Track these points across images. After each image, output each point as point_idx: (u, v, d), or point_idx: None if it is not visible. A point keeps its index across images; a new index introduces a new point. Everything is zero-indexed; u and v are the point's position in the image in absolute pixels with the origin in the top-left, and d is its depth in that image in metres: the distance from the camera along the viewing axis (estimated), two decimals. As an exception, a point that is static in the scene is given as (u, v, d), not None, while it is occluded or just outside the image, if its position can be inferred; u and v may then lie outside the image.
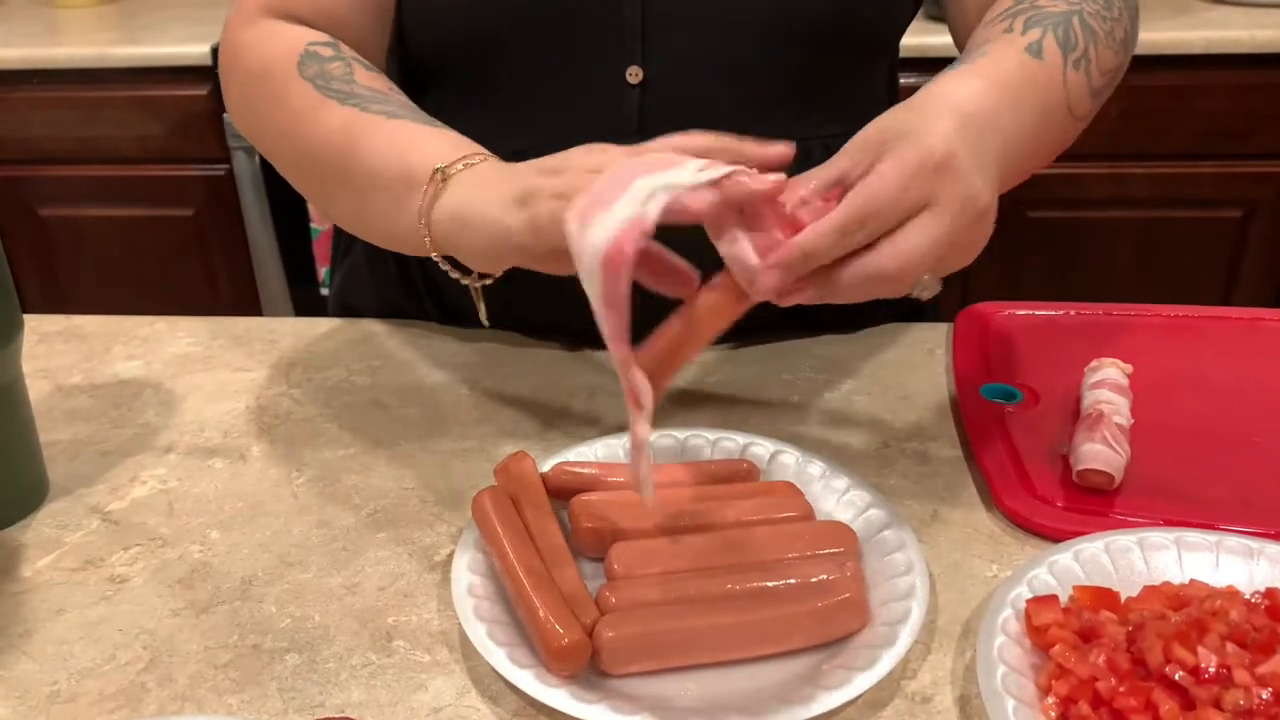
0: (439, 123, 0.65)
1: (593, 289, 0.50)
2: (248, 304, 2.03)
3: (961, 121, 0.53)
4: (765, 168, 0.52)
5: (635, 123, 0.74)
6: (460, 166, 0.59)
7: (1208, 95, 1.77)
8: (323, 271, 2.00)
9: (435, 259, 0.61)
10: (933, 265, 0.52)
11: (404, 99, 0.68)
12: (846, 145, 0.54)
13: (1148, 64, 1.60)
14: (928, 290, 0.54)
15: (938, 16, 1.78)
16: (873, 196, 0.50)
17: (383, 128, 0.63)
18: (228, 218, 1.97)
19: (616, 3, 0.72)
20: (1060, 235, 1.90)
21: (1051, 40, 0.63)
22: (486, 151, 0.61)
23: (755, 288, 0.53)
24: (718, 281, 0.55)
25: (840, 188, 0.53)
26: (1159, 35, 1.70)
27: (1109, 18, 0.67)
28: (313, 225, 1.97)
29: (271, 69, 0.70)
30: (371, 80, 0.68)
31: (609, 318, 0.50)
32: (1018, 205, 1.86)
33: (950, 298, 0.98)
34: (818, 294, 0.53)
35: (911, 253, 0.51)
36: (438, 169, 0.59)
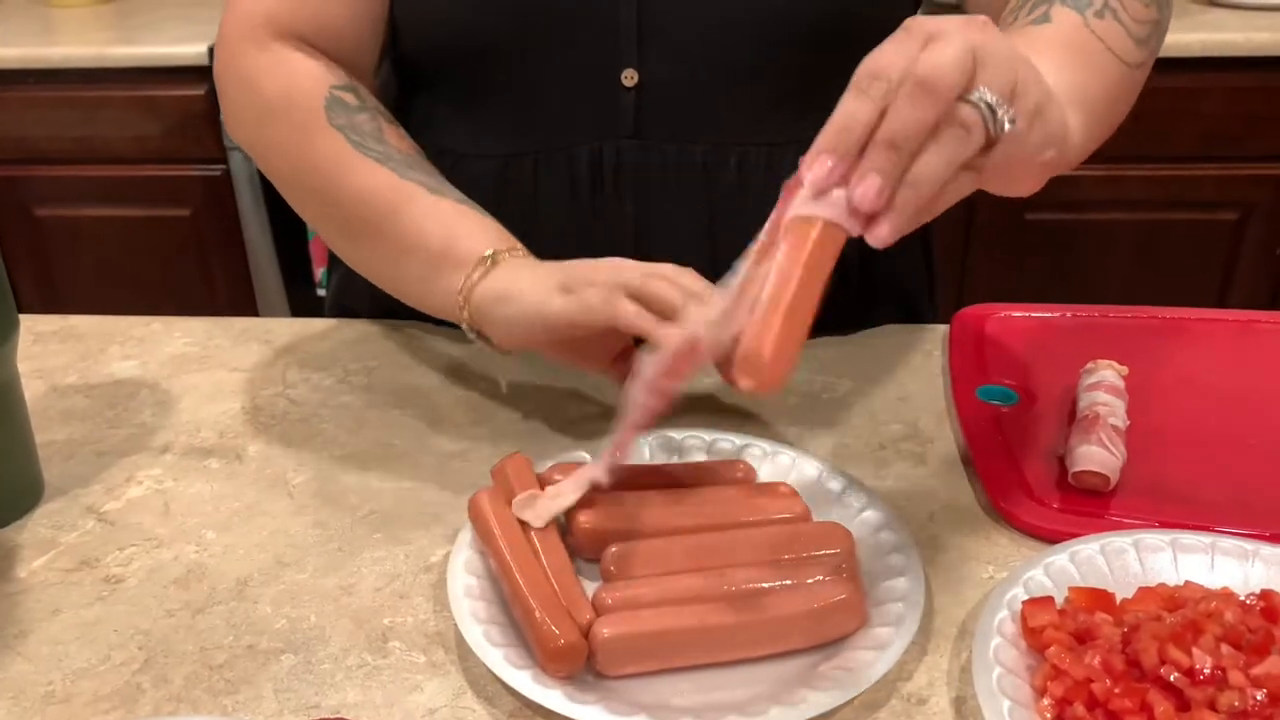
0: (475, 204, 0.69)
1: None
2: (244, 304, 2.03)
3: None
4: None
5: (631, 126, 0.74)
6: (507, 256, 0.65)
7: (1205, 98, 1.78)
8: (319, 272, 2.00)
9: (464, 329, 0.67)
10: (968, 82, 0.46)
11: (429, 165, 0.73)
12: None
13: (1144, 66, 1.61)
14: (1006, 119, 0.47)
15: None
16: (874, 60, 0.47)
17: (426, 202, 0.68)
18: (224, 218, 1.97)
19: (612, 6, 0.72)
20: (1058, 237, 1.90)
21: (1060, 7, 0.63)
22: (524, 248, 0.67)
23: (817, 182, 0.47)
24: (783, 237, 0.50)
25: None
26: (1156, 38, 1.70)
27: None
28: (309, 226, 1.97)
29: (294, 108, 0.72)
30: (399, 141, 0.72)
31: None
32: (1014, 207, 1.86)
33: (948, 301, 0.99)
34: (890, 186, 0.47)
35: (940, 59, 0.46)
36: (487, 256, 0.65)
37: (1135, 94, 0.68)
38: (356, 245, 0.73)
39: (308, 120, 0.71)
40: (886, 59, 0.47)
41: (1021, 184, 0.53)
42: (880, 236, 0.47)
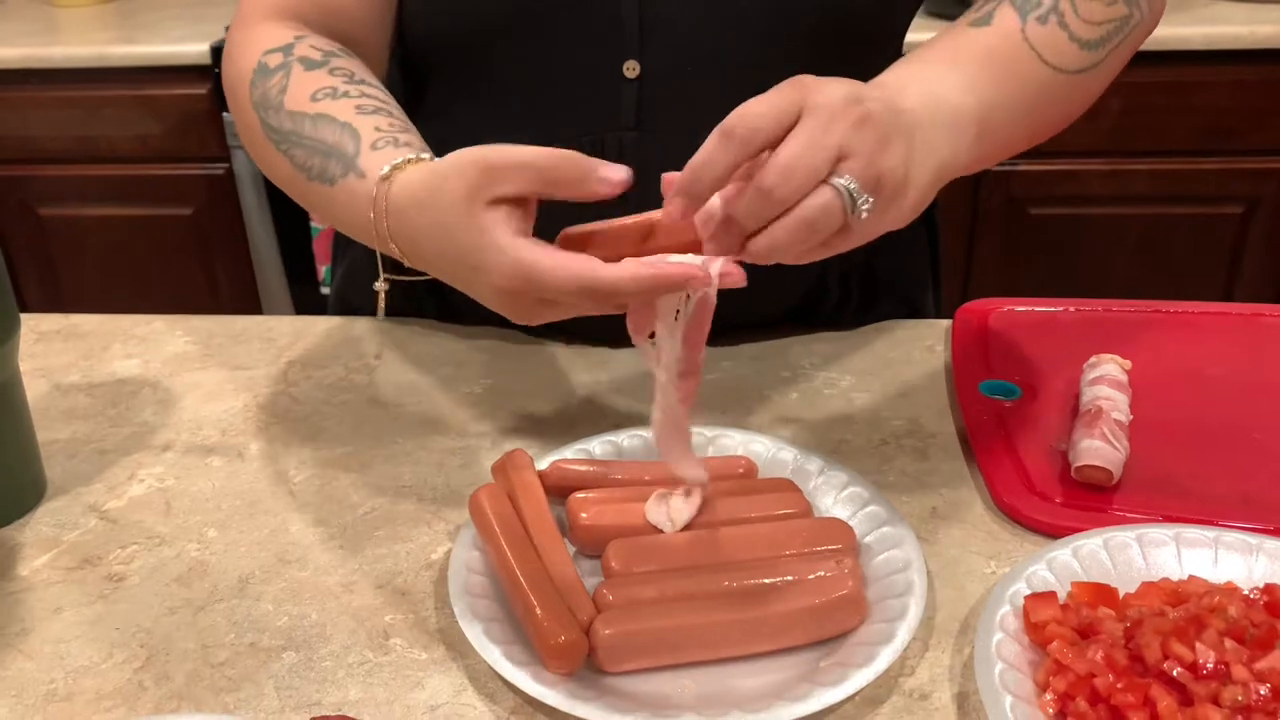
0: (339, 155, 0.62)
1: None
2: (248, 303, 2.03)
3: (889, 104, 0.53)
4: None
5: (633, 118, 0.74)
6: (396, 250, 0.59)
7: (1208, 91, 1.77)
8: (323, 270, 2.00)
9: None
10: (829, 171, 0.50)
11: (317, 113, 0.65)
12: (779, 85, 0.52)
13: (1147, 60, 1.60)
14: (863, 208, 0.51)
15: (940, 13, 1.79)
16: (794, 153, 0.49)
17: (311, 193, 0.64)
18: (228, 217, 1.97)
19: None
20: (1061, 232, 1.90)
21: (1007, 8, 0.63)
22: (393, 209, 0.58)
23: (668, 216, 0.51)
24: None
25: None
26: (1158, 32, 1.68)
27: None
28: (313, 224, 1.97)
29: (237, 89, 0.70)
30: (297, 96, 0.66)
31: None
32: (1018, 202, 1.86)
33: (952, 296, 0.98)
34: (730, 241, 0.51)
35: (791, 159, 0.49)
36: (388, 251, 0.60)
37: (1084, 98, 0.66)
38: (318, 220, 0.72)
39: (243, 102, 0.69)
40: (757, 119, 0.49)
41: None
42: (732, 281, 0.51)
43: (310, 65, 0.68)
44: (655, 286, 0.50)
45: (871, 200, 0.51)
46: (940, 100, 0.57)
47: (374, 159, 0.60)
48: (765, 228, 0.50)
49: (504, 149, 0.53)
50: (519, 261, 0.52)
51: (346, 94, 0.65)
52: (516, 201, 0.53)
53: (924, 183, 0.54)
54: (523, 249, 0.52)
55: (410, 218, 0.56)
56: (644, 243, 0.54)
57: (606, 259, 0.51)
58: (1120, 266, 1.91)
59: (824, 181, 0.49)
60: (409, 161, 0.58)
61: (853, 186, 0.50)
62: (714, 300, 0.53)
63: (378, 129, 0.62)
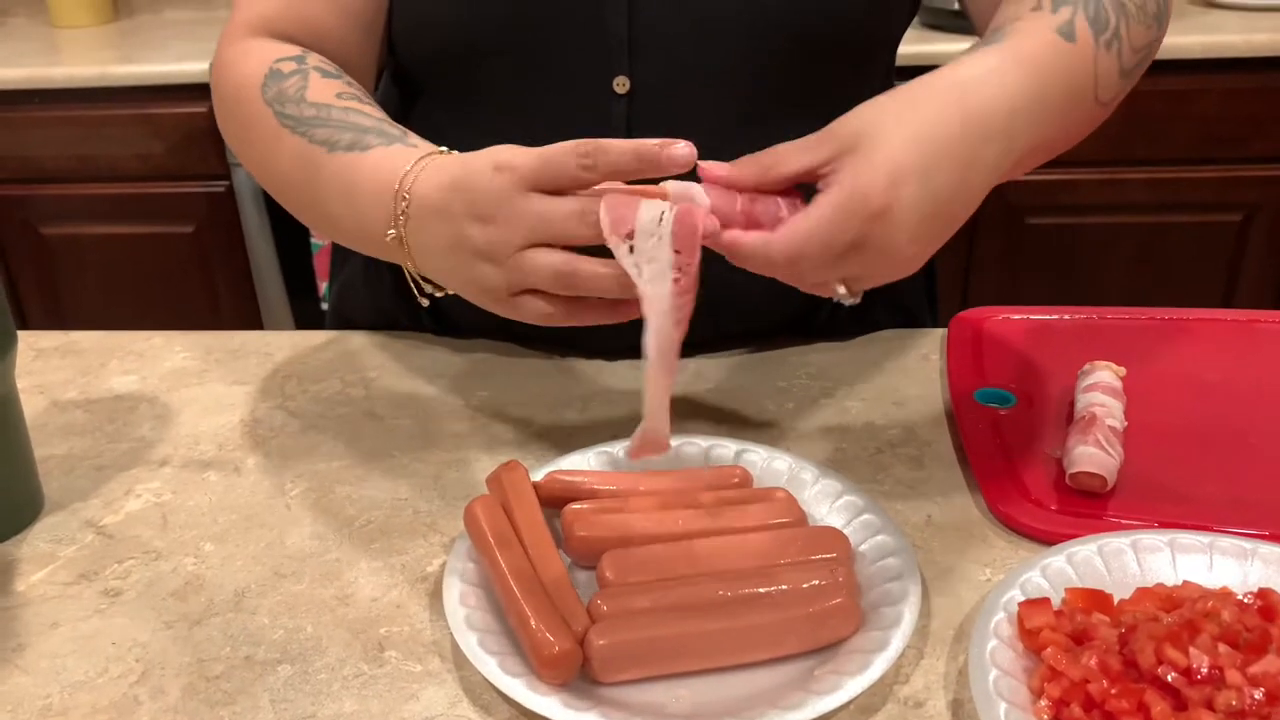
0: (379, 132, 0.65)
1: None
2: (249, 320, 2.03)
3: (934, 134, 0.54)
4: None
5: (623, 133, 0.74)
6: (403, 219, 0.61)
7: (1204, 100, 1.78)
8: (323, 286, 2.01)
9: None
10: (834, 283, 0.56)
11: (346, 106, 0.67)
12: (823, 133, 0.55)
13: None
14: (848, 299, 0.57)
15: (935, 25, 1.80)
16: (803, 244, 0.53)
17: (326, 170, 0.65)
18: (228, 234, 1.98)
19: (603, 14, 0.72)
20: (1059, 241, 1.90)
21: (1083, 20, 0.61)
22: (414, 194, 0.60)
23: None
24: None
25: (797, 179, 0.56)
26: (1154, 40, 1.70)
27: None
28: (313, 240, 1.98)
29: (241, 93, 0.71)
30: (321, 93, 0.68)
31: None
32: (1016, 211, 1.86)
33: (947, 303, 0.98)
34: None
35: (810, 280, 0.56)
36: (389, 235, 0.61)
37: (1084, 135, 0.66)
38: (311, 222, 0.72)
39: (250, 103, 0.70)
40: (814, 249, 0.53)
41: None
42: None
43: (326, 74, 0.70)
44: (633, 152, 0.53)
45: (856, 296, 0.57)
46: (989, 124, 0.56)
47: (426, 144, 0.63)
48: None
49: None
50: (499, 155, 0.55)
51: (370, 104, 0.68)
52: None
53: (938, 237, 0.56)
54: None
55: (451, 169, 0.59)
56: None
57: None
58: (1118, 275, 1.91)
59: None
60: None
61: (842, 292, 0.56)
62: (703, 211, 0.54)
63: (416, 136, 0.65)
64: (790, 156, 0.55)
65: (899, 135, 0.53)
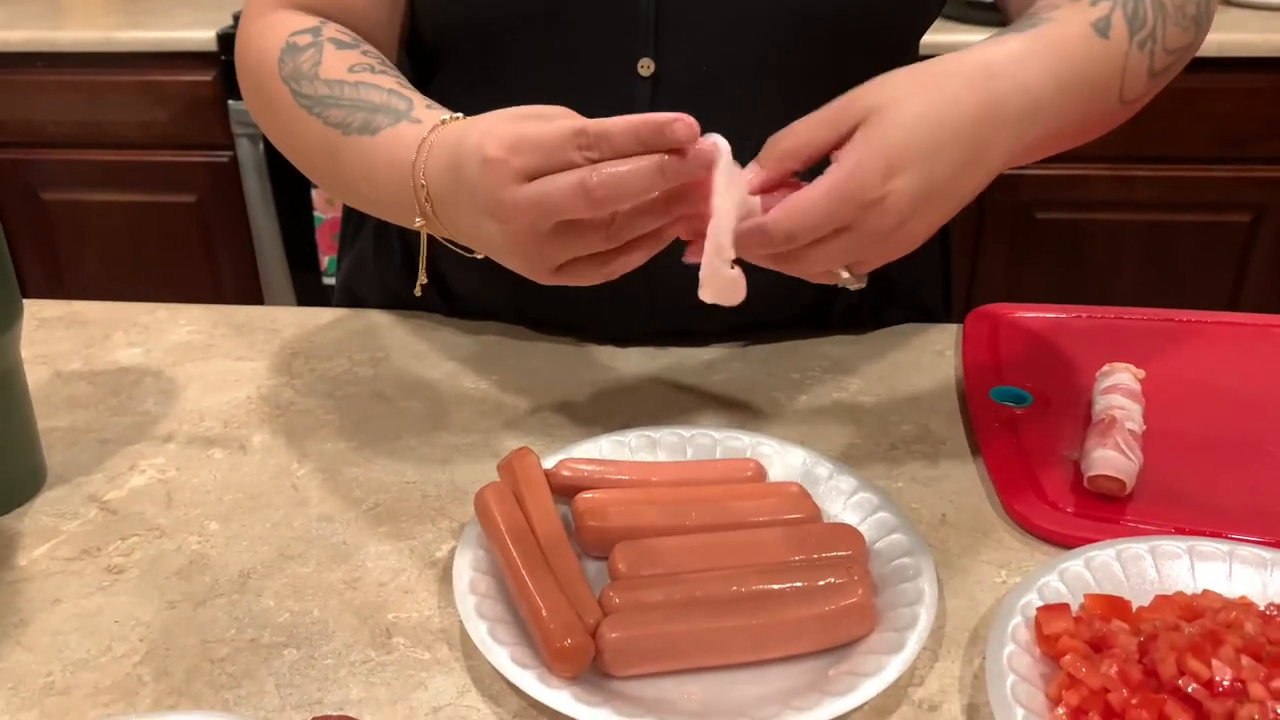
0: (387, 110, 0.63)
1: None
2: (250, 291, 2.02)
3: (948, 116, 0.53)
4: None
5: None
6: (428, 206, 0.59)
7: (1218, 98, 1.76)
8: (325, 260, 1.99)
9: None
10: (836, 268, 0.56)
11: (358, 80, 0.66)
12: (842, 103, 0.55)
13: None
14: (852, 284, 0.57)
15: (957, 16, 1.78)
16: (795, 224, 0.52)
17: (345, 155, 0.65)
18: (231, 204, 1.96)
19: None
20: (1067, 237, 1.89)
21: (1120, 17, 0.61)
22: (427, 177, 0.59)
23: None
24: None
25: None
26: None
27: None
28: (316, 213, 1.96)
29: (262, 70, 0.71)
30: (334, 67, 0.67)
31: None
32: (1026, 206, 1.85)
33: (958, 299, 0.98)
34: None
35: (811, 264, 0.55)
36: (418, 223, 0.60)
37: (1106, 130, 0.66)
38: (338, 194, 0.71)
39: (270, 80, 0.69)
40: (809, 227, 0.53)
41: None
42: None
43: (341, 45, 0.69)
44: (633, 135, 0.51)
45: (860, 278, 0.57)
46: (1002, 107, 0.56)
47: (430, 114, 0.61)
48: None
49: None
50: (503, 131, 0.53)
51: (385, 71, 0.66)
52: None
53: (940, 217, 0.56)
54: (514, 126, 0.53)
55: (450, 150, 0.57)
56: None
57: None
58: (1126, 272, 1.91)
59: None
60: (463, 119, 0.59)
61: (846, 276, 0.57)
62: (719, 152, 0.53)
63: (425, 101, 0.63)
64: (807, 136, 0.54)
65: (910, 113, 0.53)
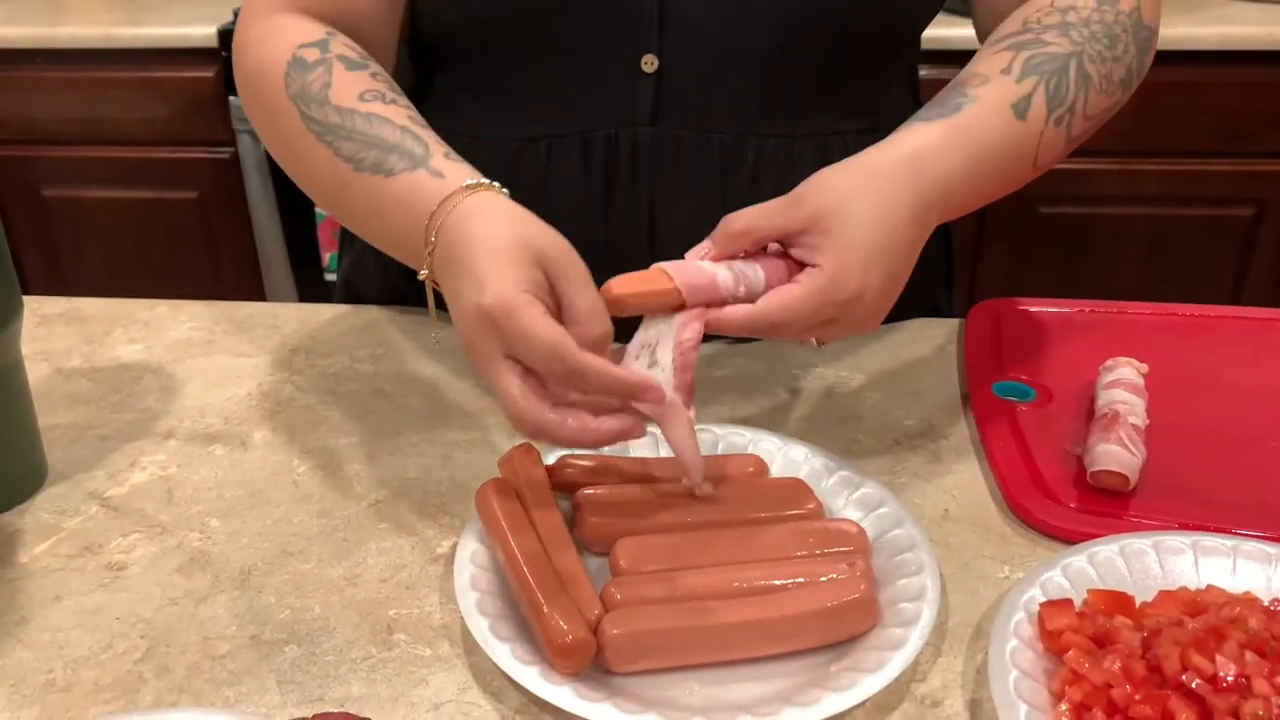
0: (401, 151, 0.63)
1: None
2: (251, 287, 2.02)
3: (894, 217, 0.58)
4: None
5: (649, 113, 0.73)
6: (429, 259, 0.59)
7: (1221, 92, 1.76)
8: (327, 256, 1.99)
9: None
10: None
11: (369, 111, 0.65)
12: (793, 199, 0.58)
13: (1160, 60, 1.59)
14: (817, 346, 0.65)
15: (959, 10, 1.77)
16: (786, 319, 0.57)
17: (352, 189, 0.64)
18: (232, 201, 1.96)
19: None
20: (1070, 231, 1.88)
21: (1041, 96, 0.65)
22: (440, 229, 0.59)
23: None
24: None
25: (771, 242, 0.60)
26: (1172, 31, 1.68)
27: (1110, 58, 0.67)
28: (317, 210, 1.96)
29: (264, 79, 0.69)
30: (345, 93, 0.66)
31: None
32: (1029, 201, 1.85)
33: (960, 294, 0.97)
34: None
35: (789, 339, 0.62)
36: (422, 274, 0.60)
37: (1021, 185, 0.69)
38: (339, 218, 0.71)
39: (273, 93, 0.68)
40: (795, 324, 0.57)
41: None
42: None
43: (351, 65, 0.68)
44: (615, 385, 0.53)
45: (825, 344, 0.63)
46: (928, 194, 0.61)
47: (451, 167, 0.61)
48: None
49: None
50: (510, 299, 0.53)
51: (394, 101, 0.66)
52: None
53: (895, 298, 0.61)
54: (524, 297, 0.53)
55: (468, 225, 0.57)
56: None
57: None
58: (1129, 266, 1.90)
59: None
60: (494, 189, 0.59)
61: (814, 342, 0.62)
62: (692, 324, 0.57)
63: (443, 149, 0.63)
64: (762, 223, 0.58)
65: (866, 218, 0.58)
